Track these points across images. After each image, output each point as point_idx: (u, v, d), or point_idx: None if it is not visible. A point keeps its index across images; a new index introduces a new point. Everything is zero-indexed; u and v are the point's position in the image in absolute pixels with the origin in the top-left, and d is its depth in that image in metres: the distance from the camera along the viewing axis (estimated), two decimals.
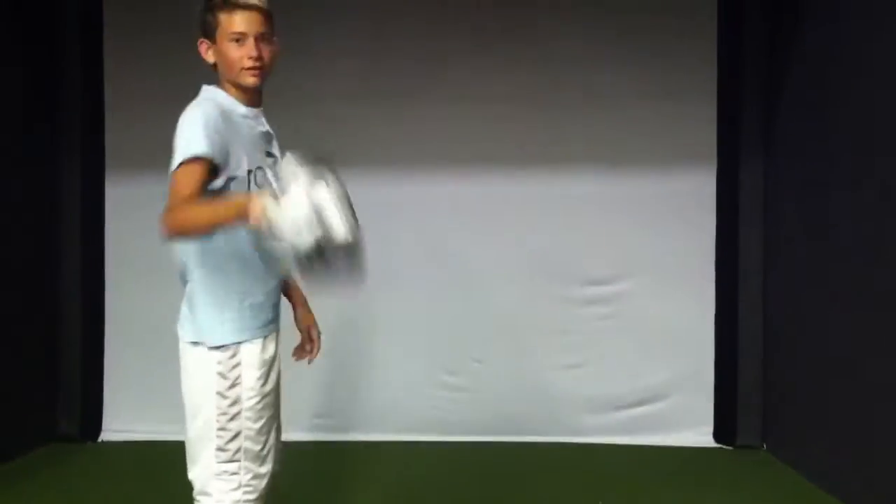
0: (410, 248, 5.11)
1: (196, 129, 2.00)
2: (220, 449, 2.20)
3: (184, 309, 2.28)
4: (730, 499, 4.13)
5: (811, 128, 4.36)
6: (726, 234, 5.05)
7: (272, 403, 2.31)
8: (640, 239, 5.08)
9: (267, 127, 2.31)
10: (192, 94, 2.20)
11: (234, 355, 2.19)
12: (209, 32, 2.19)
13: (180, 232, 1.99)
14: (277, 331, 2.35)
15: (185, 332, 2.26)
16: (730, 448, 4.99)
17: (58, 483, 4.32)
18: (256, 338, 2.24)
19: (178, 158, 1.98)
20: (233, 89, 2.21)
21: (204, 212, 1.94)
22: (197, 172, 1.97)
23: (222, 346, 2.19)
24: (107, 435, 5.14)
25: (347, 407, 5.03)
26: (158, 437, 4.85)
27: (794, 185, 4.60)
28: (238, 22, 2.14)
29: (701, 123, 5.04)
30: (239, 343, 2.20)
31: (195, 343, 2.22)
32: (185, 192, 1.95)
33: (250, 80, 2.17)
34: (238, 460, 2.21)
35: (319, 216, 1.65)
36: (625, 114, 5.06)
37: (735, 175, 5.03)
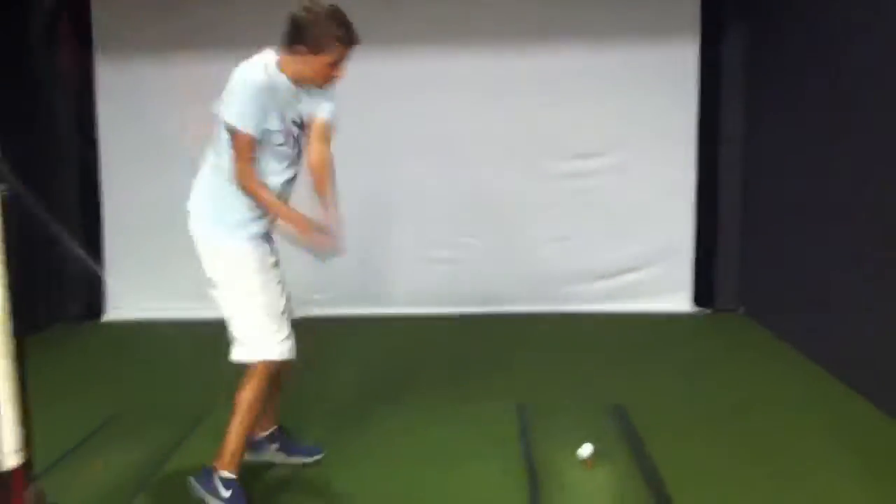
0: (397, 126, 5.15)
1: (248, 105, 2.44)
2: None
3: None
4: (709, 356, 4.36)
5: None
6: (708, 105, 5.10)
7: None
8: (624, 112, 5.12)
9: (302, 105, 2.63)
10: None
11: None
12: (316, 48, 2.49)
13: (253, 197, 2.55)
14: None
15: None
16: (709, 311, 5.22)
17: (66, 359, 4.53)
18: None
19: (233, 121, 2.45)
20: (291, 71, 2.54)
21: (274, 202, 2.57)
22: (251, 144, 2.50)
23: None
24: (110, 315, 5.34)
25: (343, 282, 5.14)
26: (159, 315, 5.06)
27: (775, 55, 4.62)
28: (347, 55, 2.54)
29: None
30: None
31: None
32: (249, 155, 2.51)
33: (324, 86, 2.60)
34: None
35: None
36: None
37: (717, 46, 5.04)
